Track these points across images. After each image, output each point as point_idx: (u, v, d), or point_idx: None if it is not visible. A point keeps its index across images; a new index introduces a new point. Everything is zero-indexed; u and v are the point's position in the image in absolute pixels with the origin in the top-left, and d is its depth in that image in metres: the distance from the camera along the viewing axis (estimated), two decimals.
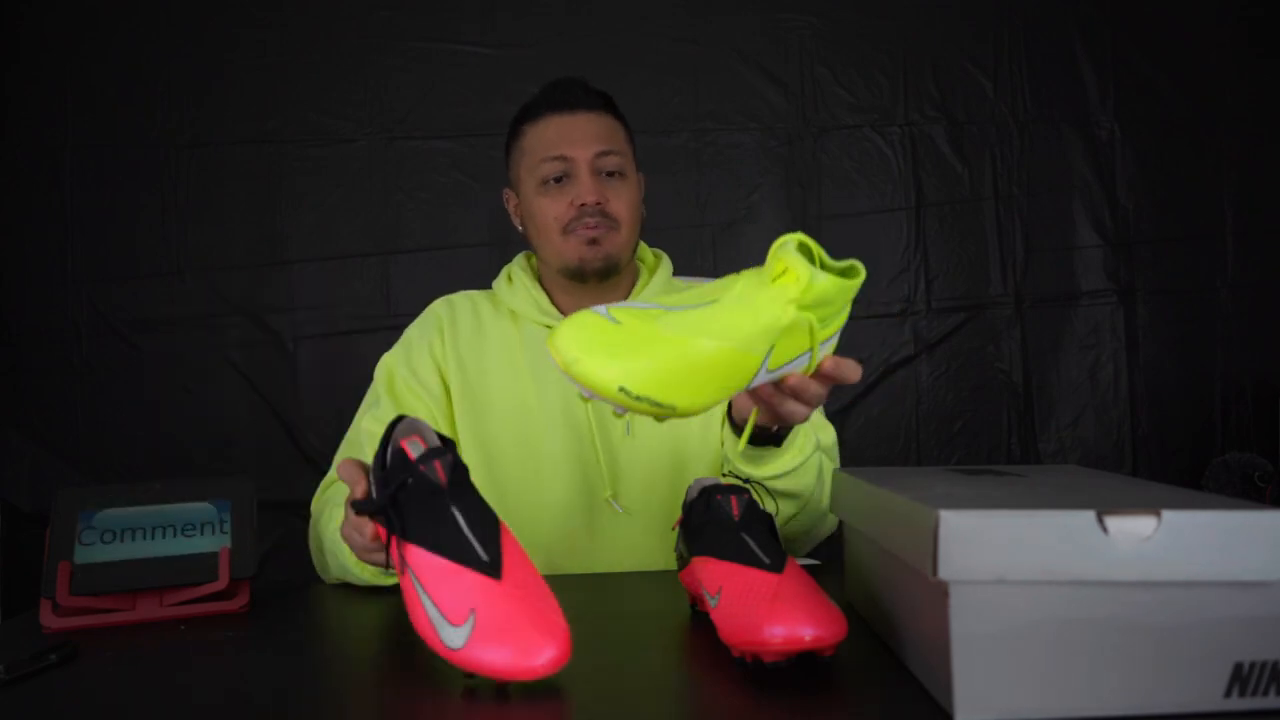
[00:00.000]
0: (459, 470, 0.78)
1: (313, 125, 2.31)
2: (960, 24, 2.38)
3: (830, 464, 1.23)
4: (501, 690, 0.69)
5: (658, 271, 1.33)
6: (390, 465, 0.79)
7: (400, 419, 0.85)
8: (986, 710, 0.61)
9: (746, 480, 1.03)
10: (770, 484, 1.05)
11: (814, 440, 1.07)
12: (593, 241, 1.22)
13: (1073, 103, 2.39)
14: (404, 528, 0.76)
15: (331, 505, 1.16)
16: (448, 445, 0.79)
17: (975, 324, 2.36)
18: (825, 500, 1.21)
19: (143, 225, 2.29)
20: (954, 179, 2.38)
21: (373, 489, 0.82)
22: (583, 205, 1.21)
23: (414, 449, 0.80)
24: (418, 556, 0.75)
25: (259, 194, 2.31)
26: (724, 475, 1.18)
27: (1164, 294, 2.39)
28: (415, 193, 2.32)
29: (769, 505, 1.03)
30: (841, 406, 2.32)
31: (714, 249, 2.32)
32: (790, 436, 1.02)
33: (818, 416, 1.27)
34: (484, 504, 0.78)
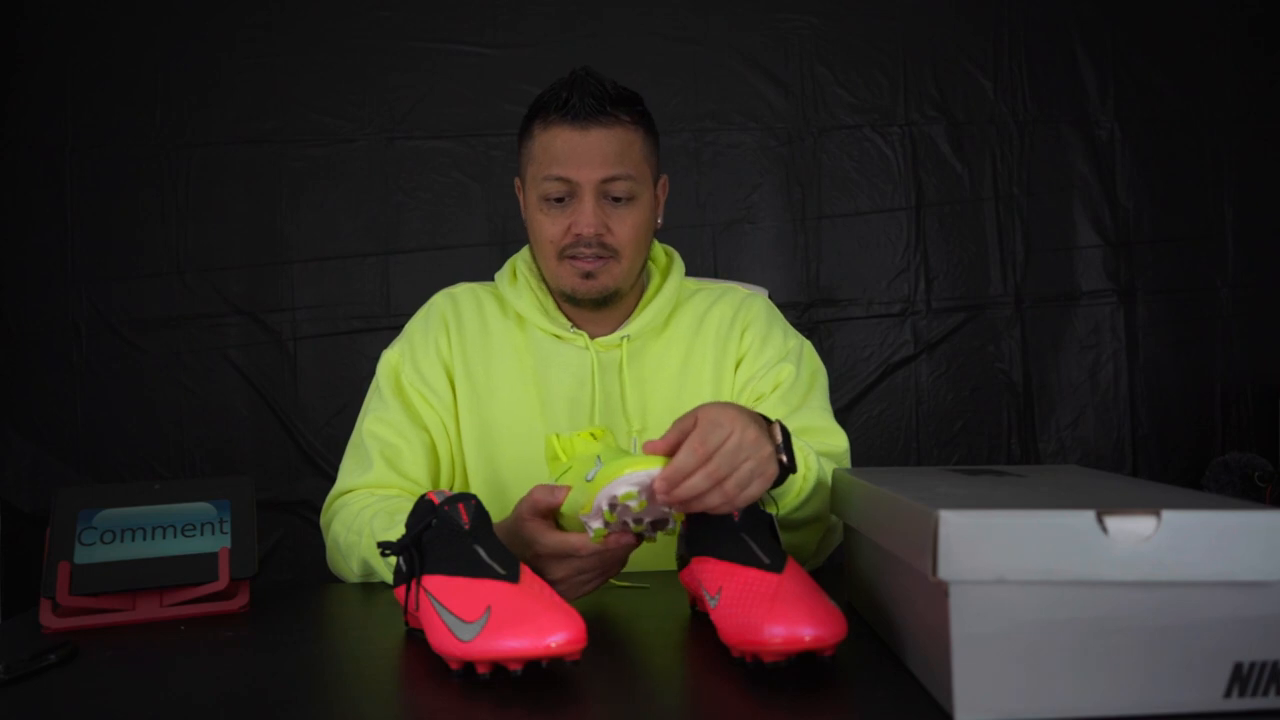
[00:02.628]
0: (482, 516, 0.80)
1: (313, 125, 2.31)
2: (960, 24, 2.38)
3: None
4: (505, 679, 0.69)
5: (670, 276, 1.28)
6: (416, 510, 0.83)
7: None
8: (986, 710, 0.61)
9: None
10: (792, 517, 1.02)
11: (814, 463, 1.03)
12: (587, 275, 1.17)
13: (1073, 103, 2.39)
14: (423, 563, 0.78)
15: (352, 512, 1.16)
16: (472, 497, 0.82)
17: (975, 324, 2.36)
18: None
19: (143, 225, 2.30)
20: (954, 179, 2.38)
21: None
22: (579, 235, 1.15)
23: (439, 496, 0.83)
24: (435, 583, 0.76)
25: (259, 194, 2.31)
26: None
27: (1164, 294, 2.39)
28: (415, 193, 2.32)
29: (770, 507, 1.03)
30: (841, 407, 2.33)
31: (714, 249, 2.32)
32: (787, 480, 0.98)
33: (827, 422, 1.22)
34: (504, 546, 0.79)
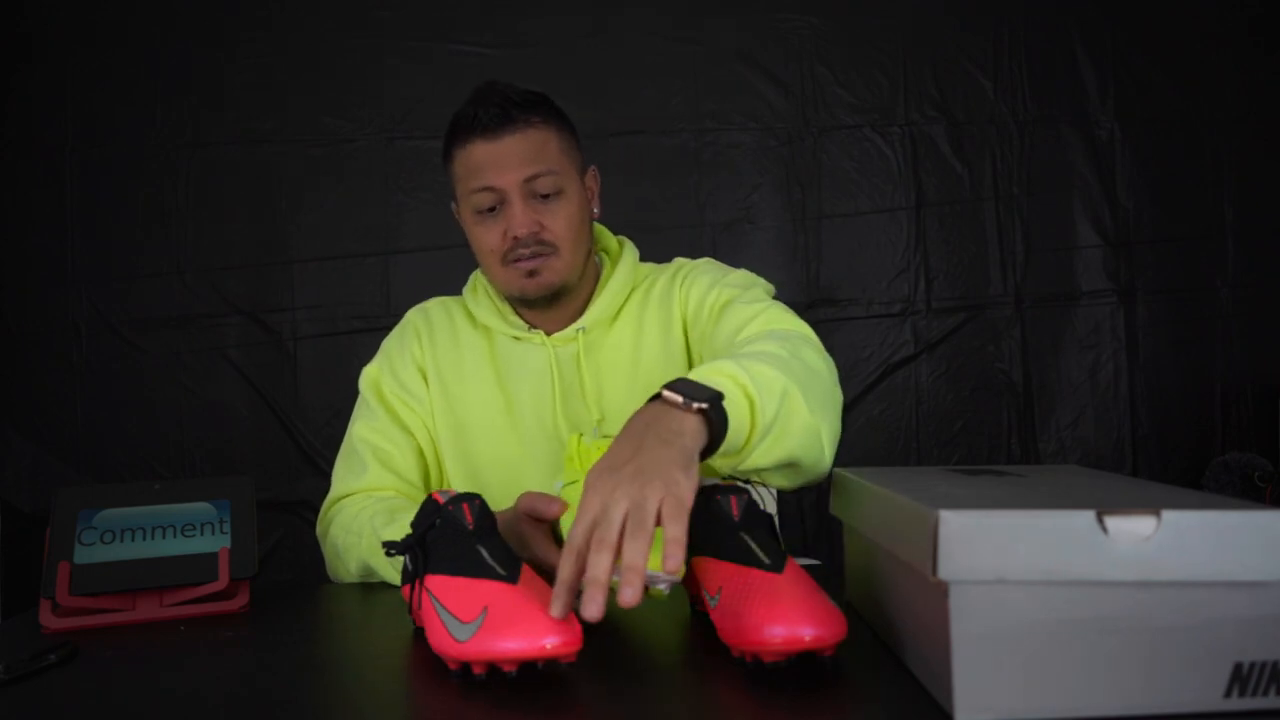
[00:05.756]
0: (486, 516, 0.80)
1: (313, 125, 2.32)
2: (960, 24, 2.39)
3: (791, 342, 1.00)
4: (505, 679, 0.69)
5: (620, 265, 1.29)
6: (421, 511, 0.83)
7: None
8: (986, 710, 0.61)
9: (747, 480, 1.02)
10: (768, 457, 0.91)
11: (742, 371, 0.87)
12: (531, 274, 1.19)
13: (1073, 103, 2.39)
14: (427, 562, 0.78)
15: (349, 514, 1.17)
16: (476, 496, 0.82)
17: (975, 324, 2.36)
18: (820, 375, 1.00)
19: (143, 225, 2.30)
20: (954, 179, 2.38)
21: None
22: (516, 238, 1.17)
23: (444, 496, 0.82)
24: (436, 582, 0.76)
25: (259, 194, 2.31)
26: (723, 477, 1.18)
27: (1164, 294, 2.39)
28: (415, 193, 2.32)
29: (772, 482, 1.01)
30: (842, 406, 2.33)
31: (714, 249, 2.32)
32: (734, 431, 0.84)
33: (760, 309, 1.11)
34: (508, 547, 0.79)
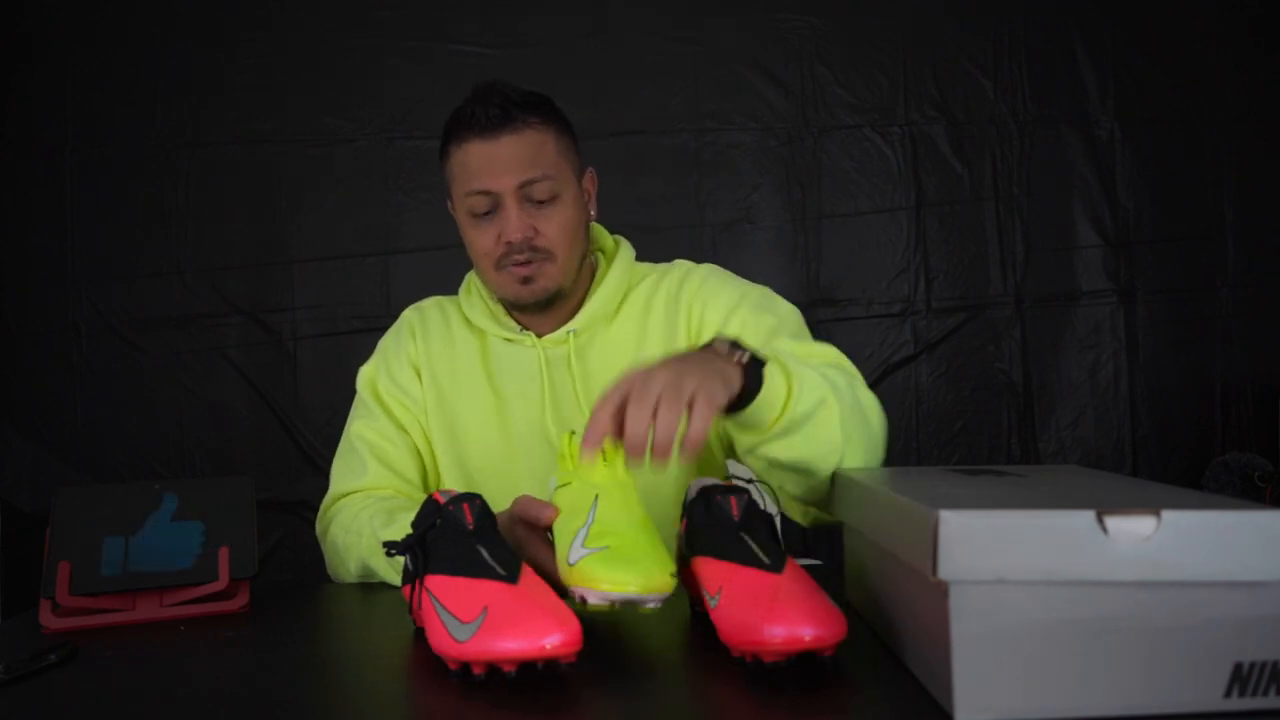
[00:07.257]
0: (486, 516, 0.81)
1: (313, 125, 2.32)
2: (960, 24, 2.39)
3: (848, 376, 1.02)
4: (505, 679, 0.69)
5: (615, 264, 1.27)
6: (422, 511, 0.83)
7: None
8: (986, 710, 0.61)
9: (749, 480, 1.02)
10: (786, 452, 0.91)
11: (792, 363, 0.90)
12: (525, 280, 1.17)
13: (1073, 103, 2.39)
14: (427, 563, 0.78)
15: (350, 514, 1.17)
16: (477, 496, 0.82)
17: (975, 324, 2.36)
18: (867, 413, 1.00)
19: (143, 225, 2.30)
20: (954, 179, 2.38)
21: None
22: (510, 243, 1.15)
23: (444, 496, 0.83)
24: (437, 582, 0.76)
25: (259, 194, 2.31)
26: (726, 477, 1.17)
27: (1164, 294, 2.39)
28: (415, 193, 2.32)
29: (777, 479, 1.00)
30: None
31: (714, 249, 2.32)
32: (765, 390, 0.86)
33: (803, 347, 1.11)
34: (508, 547, 0.79)
